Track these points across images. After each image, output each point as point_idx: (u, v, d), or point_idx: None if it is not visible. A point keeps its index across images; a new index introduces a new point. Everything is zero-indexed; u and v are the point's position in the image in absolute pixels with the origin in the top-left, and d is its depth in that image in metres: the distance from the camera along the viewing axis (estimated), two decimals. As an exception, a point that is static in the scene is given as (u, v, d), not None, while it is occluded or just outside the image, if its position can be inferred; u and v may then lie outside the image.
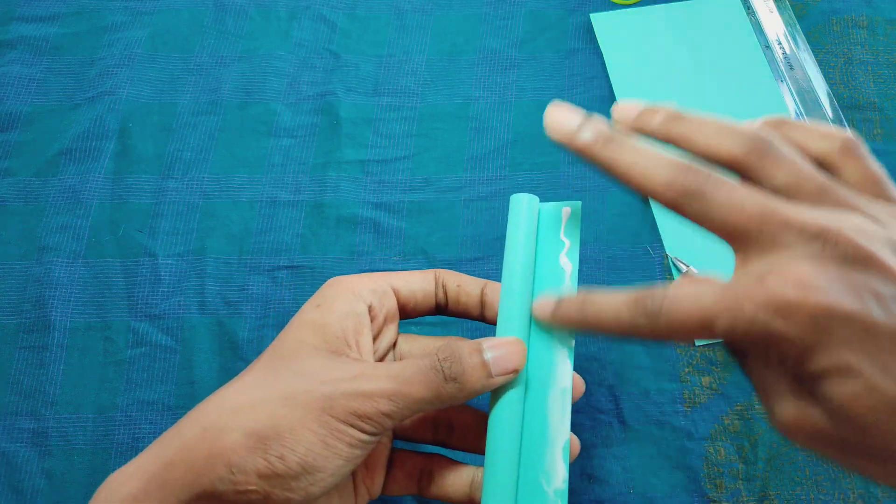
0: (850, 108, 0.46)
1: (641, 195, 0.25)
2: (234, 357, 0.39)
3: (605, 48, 0.48)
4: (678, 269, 0.40)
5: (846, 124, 0.45)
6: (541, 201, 0.31)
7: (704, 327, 0.22)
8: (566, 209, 0.30)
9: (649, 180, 0.24)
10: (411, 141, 0.45)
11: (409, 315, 0.31)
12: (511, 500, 0.27)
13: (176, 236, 0.42)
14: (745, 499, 0.36)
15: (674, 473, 0.36)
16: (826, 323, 0.20)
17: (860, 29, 0.48)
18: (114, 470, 0.36)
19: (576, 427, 0.37)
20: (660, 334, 0.23)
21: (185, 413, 0.27)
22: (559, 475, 0.27)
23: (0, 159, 0.45)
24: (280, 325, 0.40)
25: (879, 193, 0.23)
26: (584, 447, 0.37)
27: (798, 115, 0.45)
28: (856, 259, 0.21)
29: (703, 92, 0.46)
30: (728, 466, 0.37)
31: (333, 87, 0.47)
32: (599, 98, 0.46)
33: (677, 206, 0.23)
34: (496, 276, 0.41)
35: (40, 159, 0.44)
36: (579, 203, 0.30)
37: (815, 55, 0.47)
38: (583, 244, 0.42)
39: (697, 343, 0.39)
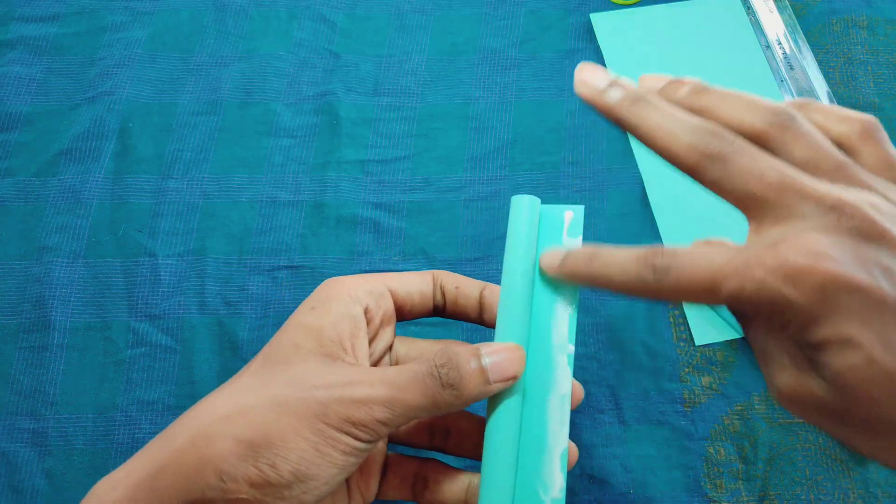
0: (850, 108, 0.45)
1: (663, 157, 0.25)
2: (234, 357, 0.39)
3: (605, 48, 0.48)
4: (678, 269, 0.40)
5: (846, 124, 0.45)
6: (542, 202, 0.30)
7: (711, 289, 0.22)
8: (569, 212, 0.30)
9: (673, 142, 0.24)
10: (411, 141, 0.45)
11: (405, 317, 0.31)
12: None
13: (176, 236, 0.42)
14: (745, 499, 0.36)
15: (674, 473, 0.36)
16: (834, 293, 0.20)
17: (860, 29, 0.48)
18: (112, 470, 0.36)
19: (576, 427, 0.37)
20: (664, 292, 0.23)
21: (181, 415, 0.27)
22: (556, 484, 0.27)
23: (0, 159, 0.45)
24: (280, 325, 0.39)
25: (894, 178, 0.24)
26: (584, 447, 0.37)
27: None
28: (870, 234, 0.21)
29: (703, 92, 0.46)
30: (728, 466, 0.37)
31: (333, 87, 0.47)
32: (599, 98, 0.46)
33: (698, 170, 0.23)
34: (496, 276, 0.41)
35: (40, 159, 0.44)
36: (582, 207, 0.30)
37: (815, 55, 0.47)
38: (586, 240, 0.42)
39: (697, 343, 0.39)
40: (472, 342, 0.39)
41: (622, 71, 0.47)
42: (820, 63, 0.47)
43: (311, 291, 0.29)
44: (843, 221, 0.21)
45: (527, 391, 0.28)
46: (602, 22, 0.49)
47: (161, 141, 0.45)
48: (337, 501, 0.28)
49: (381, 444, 0.30)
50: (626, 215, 0.43)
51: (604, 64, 0.47)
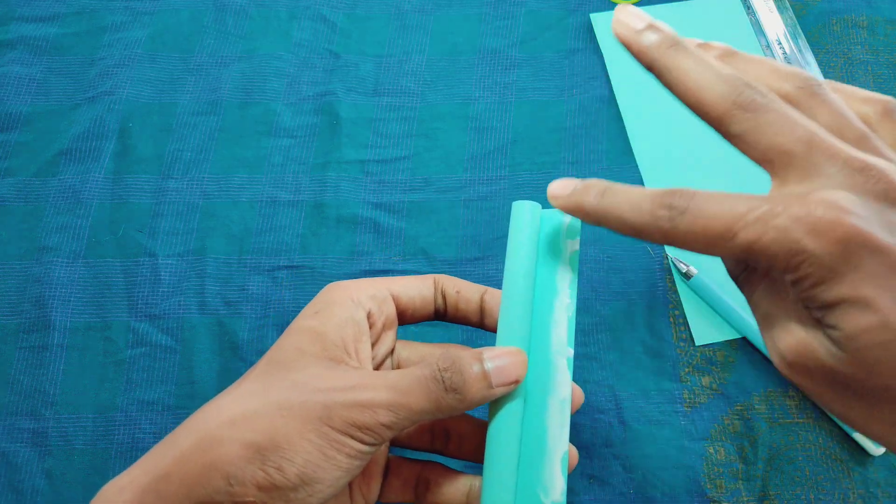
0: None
1: (690, 105, 0.24)
2: (234, 357, 0.39)
3: (605, 48, 0.48)
4: (678, 270, 0.40)
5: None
6: (542, 205, 0.30)
7: (726, 236, 0.21)
8: (569, 216, 0.30)
9: (706, 89, 0.23)
10: (411, 141, 0.45)
11: (407, 321, 0.31)
12: None
13: (176, 236, 0.42)
14: (745, 499, 0.36)
15: (674, 473, 0.36)
16: (856, 250, 0.20)
17: (860, 29, 0.48)
18: (113, 470, 0.36)
19: (576, 427, 0.37)
20: (676, 235, 0.23)
21: (185, 413, 0.27)
22: (557, 488, 0.27)
23: (0, 159, 0.45)
24: (280, 324, 0.40)
25: None
26: (585, 447, 0.37)
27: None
28: (895, 200, 0.21)
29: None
30: (728, 466, 0.37)
31: (333, 87, 0.47)
32: (599, 98, 0.46)
33: (727, 119, 0.23)
34: (496, 276, 0.41)
35: (40, 159, 0.44)
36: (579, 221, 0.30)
37: (815, 55, 0.47)
38: (583, 244, 0.42)
39: (697, 343, 0.39)
40: (473, 344, 0.39)
41: (623, 71, 0.47)
42: (820, 63, 0.47)
43: (312, 291, 0.29)
44: (870, 184, 0.21)
45: (527, 395, 0.28)
46: (602, 22, 0.49)
47: (161, 141, 0.45)
48: None
49: (383, 447, 0.30)
50: (626, 215, 0.43)
51: (604, 64, 0.47)
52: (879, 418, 0.22)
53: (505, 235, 0.30)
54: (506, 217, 0.42)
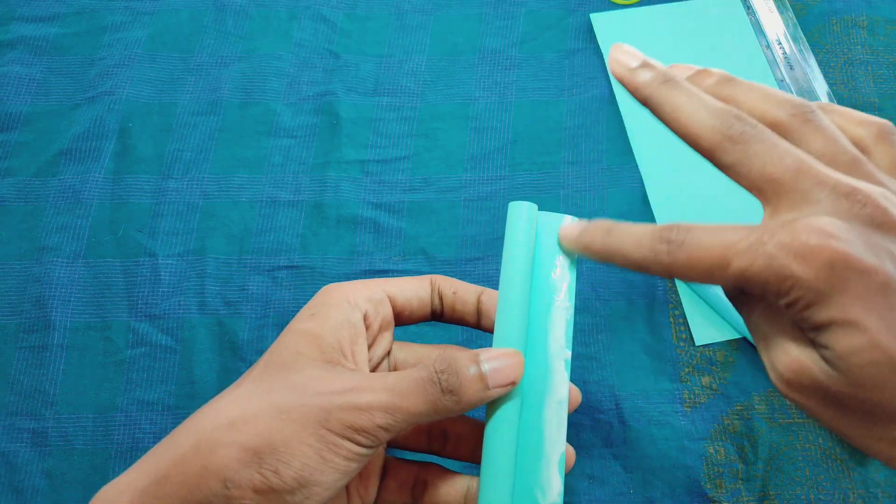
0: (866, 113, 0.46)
1: (684, 138, 0.25)
2: (234, 357, 0.39)
3: (605, 48, 0.48)
4: (678, 269, 0.40)
5: (846, 124, 0.45)
6: (541, 204, 0.30)
7: (721, 265, 0.22)
8: (565, 220, 0.30)
9: (697, 123, 0.25)
10: (411, 141, 0.45)
11: (404, 322, 0.31)
12: None
13: (176, 236, 0.42)
14: (745, 499, 0.36)
15: (674, 473, 0.36)
16: (842, 273, 0.21)
17: (860, 29, 0.48)
18: (113, 470, 0.36)
19: (575, 427, 0.37)
20: (675, 267, 0.24)
21: (185, 413, 0.27)
22: (554, 488, 0.27)
23: (0, 159, 0.45)
24: (280, 325, 0.40)
25: None
26: (585, 447, 0.37)
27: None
28: (882, 223, 0.22)
29: (703, 92, 0.46)
30: (728, 466, 0.37)
31: (333, 87, 0.47)
32: (599, 98, 0.46)
33: (718, 151, 0.24)
34: (496, 276, 0.41)
35: (40, 159, 0.44)
36: (576, 218, 0.30)
37: (815, 55, 0.47)
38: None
39: (697, 343, 0.39)
40: (472, 345, 0.39)
41: (622, 71, 0.47)
42: (820, 63, 0.47)
43: (312, 291, 0.29)
44: (857, 208, 0.22)
45: (525, 396, 0.28)
46: (602, 22, 0.49)
47: (161, 141, 0.45)
48: None
49: (380, 449, 0.30)
50: (626, 215, 0.43)
51: (604, 64, 0.47)
52: (875, 435, 0.22)
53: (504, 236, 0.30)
54: (505, 217, 0.42)
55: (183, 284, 0.41)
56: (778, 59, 0.47)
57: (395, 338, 0.31)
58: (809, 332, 0.22)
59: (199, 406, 0.26)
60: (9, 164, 0.44)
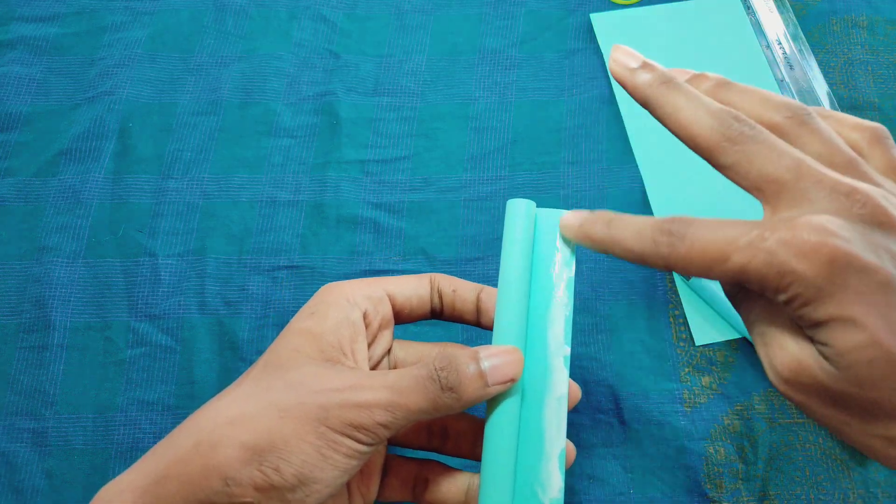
0: (850, 109, 0.46)
1: (683, 138, 0.26)
2: (234, 357, 0.39)
3: (605, 48, 0.48)
4: (678, 269, 0.40)
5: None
6: (540, 204, 0.30)
7: (721, 259, 0.23)
8: (565, 213, 0.30)
9: (696, 124, 0.25)
10: (411, 141, 0.45)
11: (404, 320, 0.31)
12: None
13: (176, 236, 0.42)
14: (745, 499, 0.36)
15: (674, 473, 0.36)
16: (842, 271, 0.21)
17: (860, 29, 0.48)
18: (113, 470, 0.36)
19: (575, 427, 0.37)
20: (675, 259, 0.24)
21: (185, 413, 0.27)
22: (555, 485, 0.27)
23: (0, 159, 0.45)
24: (280, 325, 0.40)
25: None
26: (585, 447, 0.37)
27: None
28: (880, 222, 0.22)
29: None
30: (728, 466, 0.37)
31: (333, 87, 0.47)
32: (599, 98, 0.46)
33: (717, 151, 0.24)
34: (496, 275, 0.41)
35: (40, 159, 0.44)
36: None
37: (815, 55, 0.47)
38: (580, 249, 0.42)
39: (697, 343, 0.39)
40: (472, 343, 0.39)
41: (622, 71, 0.47)
42: (820, 63, 0.47)
43: (312, 291, 0.29)
44: (856, 208, 0.22)
45: (525, 393, 0.28)
46: (602, 22, 0.49)
47: (161, 141, 0.45)
48: None
49: (381, 447, 0.30)
50: (626, 215, 0.43)
51: (604, 64, 0.47)
52: (873, 433, 0.22)
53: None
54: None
55: (183, 284, 0.41)
56: (778, 59, 0.47)
57: (395, 336, 0.31)
58: (808, 330, 0.22)
59: (199, 406, 0.26)
60: (9, 164, 0.44)
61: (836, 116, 0.27)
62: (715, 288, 0.39)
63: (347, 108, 0.46)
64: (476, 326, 0.31)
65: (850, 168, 0.24)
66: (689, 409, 0.38)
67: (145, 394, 0.38)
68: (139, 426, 0.38)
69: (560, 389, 0.28)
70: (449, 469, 0.30)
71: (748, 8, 0.49)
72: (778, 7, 0.49)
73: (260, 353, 0.28)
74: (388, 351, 0.31)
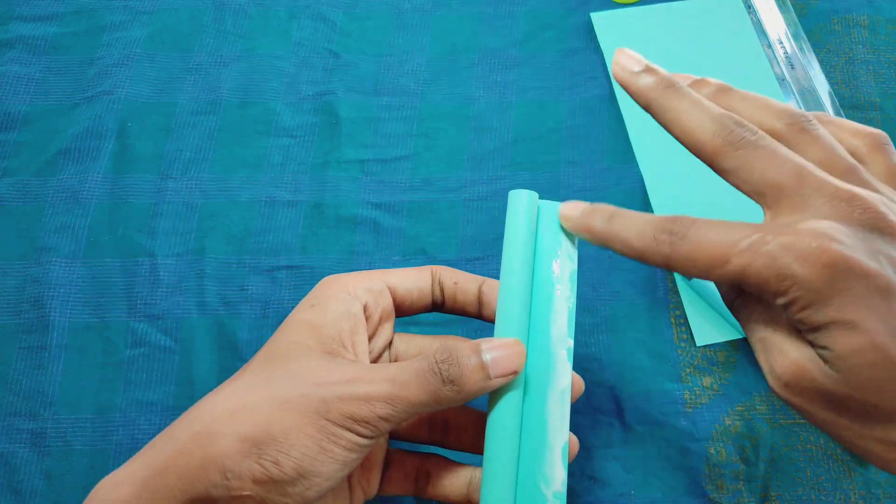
0: (851, 108, 0.45)
1: (685, 142, 0.26)
2: (234, 357, 0.39)
3: (605, 47, 0.48)
4: (679, 270, 0.40)
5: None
6: (540, 198, 0.30)
7: (721, 261, 0.23)
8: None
9: (698, 128, 0.25)
10: (411, 141, 0.45)
11: (405, 313, 0.31)
12: (510, 503, 0.26)
13: (175, 236, 0.42)
14: (747, 499, 0.36)
15: (675, 474, 0.36)
16: (843, 276, 0.21)
17: (861, 28, 0.48)
18: (113, 470, 0.36)
19: (576, 427, 0.37)
20: (676, 261, 0.24)
21: (184, 413, 0.27)
22: (558, 478, 0.27)
23: (-1, 159, 0.44)
24: (279, 325, 0.39)
25: None
26: (585, 448, 0.37)
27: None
28: (881, 229, 0.22)
29: (704, 91, 0.46)
30: (729, 467, 0.36)
31: (333, 86, 0.47)
32: (600, 98, 0.46)
33: (719, 156, 0.25)
34: (497, 276, 0.41)
35: (39, 159, 0.44)
36: None
37: (816, 54, 0.47)
38: (583, 244, 0.42)
39: (698, 343, 0.39)
40: (473, 337, 0.39)
41: (623, 70, 0.47)
42: (821, 62, 0.47)
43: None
44: (857, 214, 0.22)
45: (527, 386, 0.28)
46: (602, 21, 0.49)
47: (160, 141, 0.45)
48: (338, 498, 0.28)
49: (382, 440, 0.30)
50: (627, 215, 0.42)
51: (604, 64, 0.47)
52: (872, 437, 0.22)
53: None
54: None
55: (182, 284, 0.41)
56: (779, 59, 0.47)
57: (397, 330, 0.31)
58: (808, 334, 0.22)
59: (198, 407, 0.26)
60: (7, 164, 0.44)
61: (837, 122, 0.27)
62: (716, 288, 0.39)
63: (347, 107, 0.46)
64: (478, 319, 0.31)
65: (850, 174, 0.24)
66: (690, 410, 0.38)
67: (145, 394, 0.38)
68: (138, 427, 0.38)
69: (563, 382, 0.28)
70: (451, 462, 0.30)
71: (749, 7, 0.49)
72: (779, 6, 0.49)
73: (259, 353, 0.28)
74: (389, 344, 0.31)
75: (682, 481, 0.36)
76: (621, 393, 0.38)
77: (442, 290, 0.31)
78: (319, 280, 0.41)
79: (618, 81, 0.28)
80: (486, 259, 0.42)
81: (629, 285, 0.41)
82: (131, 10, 0.49)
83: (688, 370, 0.39)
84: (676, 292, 0.41)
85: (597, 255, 0.41)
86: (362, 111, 0.46)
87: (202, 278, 0.41)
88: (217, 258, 0.41)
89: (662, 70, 0.27)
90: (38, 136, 0.45)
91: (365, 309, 0.28)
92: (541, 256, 0.29)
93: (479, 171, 0.44)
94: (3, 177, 0.44)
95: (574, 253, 0.29)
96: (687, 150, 0.26)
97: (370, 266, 0.41)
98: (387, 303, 0.30)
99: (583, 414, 0.38)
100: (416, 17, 0.50)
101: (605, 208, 0.27)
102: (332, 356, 0.26)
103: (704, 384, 0.38)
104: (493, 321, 0.29)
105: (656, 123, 0.27)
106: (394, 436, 0.31)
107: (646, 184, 0.43)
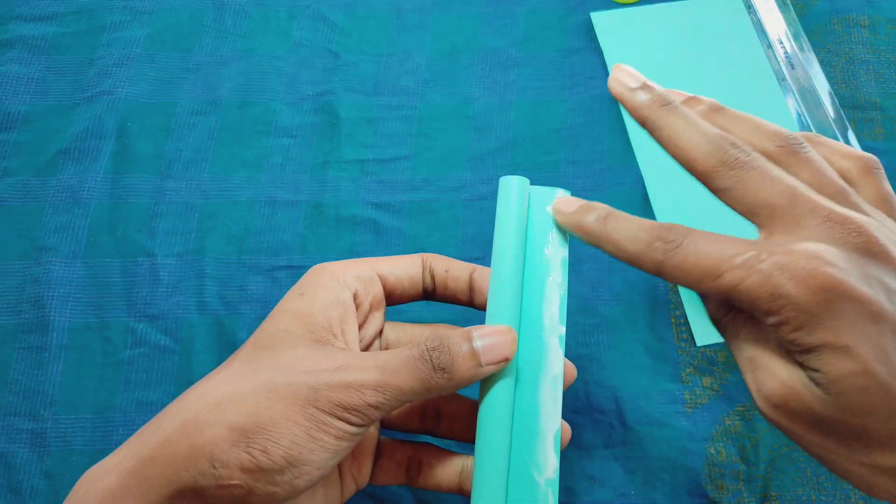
0: (851, 108, 0.45)
1: (679, 160, 0.26)
2: (234, 357, 0.39)
3: (605, 47, 0.48)
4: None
5: (847, 124, 0.45)
6: (532, 181, 0.30)
7: (713, 274, 0.23)
8: (559, 193, 0.30)
9: (693, 147, 0.25)
10: (411, 141, 0.45)
11: (395, 301, 0.31)
12: (502, 490, 0.26)
13: (175, 236, 0.42)
14: (747, 499, 0.36)
15: (675, 474, 0.36)
16: (836, 299, 0.21)
17: (861, 28, 0.48)
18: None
19: (576, 428, 0.37)
20: (667, 269, 0.24)
21: (171, 403, 0.26)
22: (550, 465, 0.27)
23: (-1, 159, 0.44)
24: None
25: (890, 213, 0.25)
26: (585, 448, 0.37)
27: (799, 115, 0.45)
28: (874, 253, 0.22)
29: (705, 91, 0.46)
30: (729, 467, 0.36)
31: (333, 86, 0.47)
32: (600, 98, 0.46)
33: (713, 175, 0.25)
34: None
35: (39, 159, 0.44)
36: (568, 192, 0.30)
37: (816, 54, 0.47)
38: (583, 244, 0.41)
39: (698, 344, 0.39)
40: (465, 326, 0.39)
41: (623, 70, 0.47)
42: (821, 63, 0.47)
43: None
44: (851, 237, 0.22)
45: (519, 373, 0.28)
46: (603, 21, 0.49)
47: (160, 140, 0.45)
48: (330, 487, 0.28)
49: (374, 430, 0.30)
50: (627, 215, 0.42)
51: (604, 64, 0.47)
52: (859, 461, 0.23)
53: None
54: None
55: (182, 284, 0.41)
56: (779, 59, 0.47)
57: (388, 319, 0.31)
58: (799, 355, 0.22)
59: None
60: (7, 164, 0.44)
61: (829, 144, 0.27)
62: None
63: (347, 107, 0.46)
64: (469, 306, 0.31)
65: (840, 198, 0.24)
66: (690, 410, 0.38)
67: (144, 394, 0.38)
68: (138, 426, 0.37)
69: (555, 369, 0.28)
70: (443, 451, 0.30)
71: (749, 7, 0.49)
72: (779, 6, 0.49)
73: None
74: (380, 332, 0.31)
75: (682, 481, 0.36)
76: (621, 393, 0.38)
77: (433, 277, 0.31)
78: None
79: (615, 97, 0.28)
80: (486, 259, 0.42)
81: (629, 285, 0.41)
82: (131, 10, 0.49)
83: (688, 370, 0.39)
84: (676, 292, 0.40)
85: (597, 255, 0.41)
86: (362, 111, 0.46)
87: (202, 278, 0.41)
88: (217, 258, 0.41)
89: (659, 87, 0.27)
90: (38, 136, 0.45)
91: (355, 297, 0.28)
92: (532, 243, 0.29)
93: (479, 171, 0.44)
94: (3, 177, 0.44)
95: (565, 239, 0.29)
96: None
97: (370, 266, 0.41)
98: (377, 291, 0.29)
99: (582, 414, 0.38)
100: (416, 17, 0.50)
101: (601, 208, 0.27)
102: (320, 344, 0.26)
103: (704, 384, 0.38)
104: (484, 308, 0.29)
105: None
106: (386, 425, 0.31)
107: (646, 184, 0.43)
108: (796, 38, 0.48)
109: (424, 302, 0.32)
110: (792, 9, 0.49)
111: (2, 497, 0.36)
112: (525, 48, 0.48)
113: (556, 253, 0.29)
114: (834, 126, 0.44)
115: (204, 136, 0.45)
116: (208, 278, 0.41)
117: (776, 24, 0.48)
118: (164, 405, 0.38)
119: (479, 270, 0.31)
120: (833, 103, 0.45)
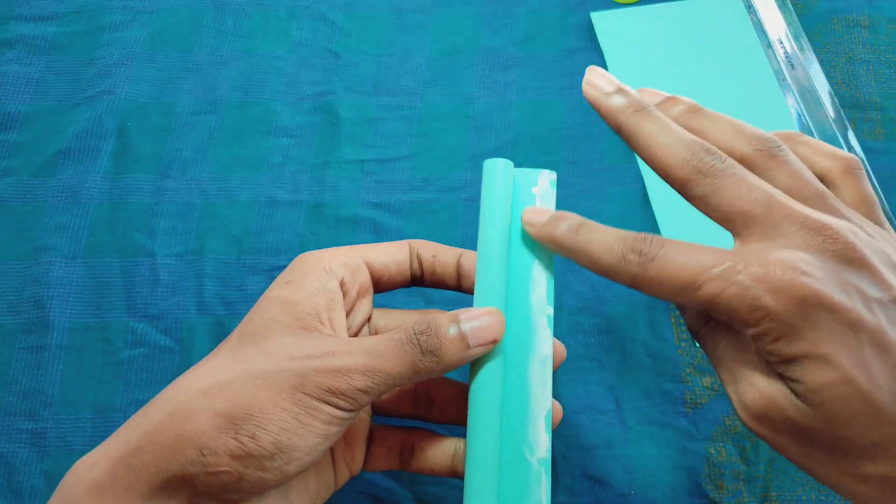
0: (851, 108, 0.45)
1: (654, 167, 0.25)
2: (234, 357, 0.39)
3: (605, 47, 0.48)
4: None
5: (847, 124, 0.45)
6: (515, 163, 0.30)
7: (690, 287, 0.23)
8: (543, 175, 0.30)
9: (668, 154, 0.25)
10: (411, 140, 0.45)
11: (383, 288, 0.31)
12: (494, 471, 0.26)
13: (175, 236, 0.42)
14: (747, 499, 0.36)
15: (675, 474, 0.36)
16: (814, 309, 0.21)
17: (862, 28, 0.48)
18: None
19: (576, 427, 0.37)
20: (643, 281, 0.24)
21: (158, 394, 0.27)
22: (542, 445, 0.27)
23: (-2, 159, 0.44)
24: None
25: (869, 215, 0.25)
26: (585, 448, 0.37)
27: (799, 115, 0.45)
28: (851, 260, 0.22)
29: (704, 91, 0.46)
30: (729, 467, 0.36)
31: (333, 86, 0.47)
32: (600, 97, 0.46)
33: (688, 183, 0.24)
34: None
35: (39, 159, 0.44)
36: (555, 173, 0.30)
37: (816, 54, 0.47)
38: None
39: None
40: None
41: (623, 70, 0.47)
42: (821, 62, 0.47)
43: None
44: (827, 244, 0.22)
45: (508, 355, 0.28)
46: (602, 21, 0.49)
47: (160, 140, 0.45)
48: (322, 474, 0.28)
49: (365, 416, 0.30)
50: (627, 215, 0.42)
51: (604, 63, 0.47)
52: (842, 470, 0.22)
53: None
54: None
55: (182, 284, 0.41)
56: (779, 59, 0.47)
57: (377, 306, 0.31)
58: (778, 366, 0.22)
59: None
60: (7, 164, 0.44)
61: (810, 143, 0.27)
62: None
63: (347, 107, 0.46)
64: (457, 291, 0.31)
65: (819, 201, 0.24)
66: (690, 410, 0.38)
67: (144, 394, 0.38)
68: (138, 427, 0.37)
69: (544, 350, 0.28)
70: (435, 435, 0.30)
71: (749, 7, 0.49)
72: (779, 6, 0.49)
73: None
74: (368, 319, 0.31)
75: (682, 481, 0.36)
76: (621, 393, 0.38)
77: (420, 263, 0.31)
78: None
79: (588, 101, 0.27)
80: (485, 259, 0.42)
81: (629, 285, 0.41)
82: (131, 10, 0.49)
83: (688, 370, 0.39)
84: (676, 292, 0.40)
85: (597, 255, 0.41)
86: (362, 111, 0.46)
87: (202, 278, 0.41)
88: (217, 258, 0.41)
89: (634, 92, 0.27)
90: (38, 136, 0.45)
91: (342, 284, 0.28)
92: (517, 225, 0.29)
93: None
94: (3, 177, 0.44)
95: None
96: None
97: (370, 266, 0.41)
98: (364, 278, 0.29)
99: (583, 414, 0.38)
100: (416, 17, 0.50)
101: (573, 218, 0.26)
102: (308, 332, 0.26)
103: (704, 384, 0.38)
104: (472, 293, 0.29)
105: None
106: (378, 411, 0.31)
107: (646, 184, 0.43)
108: (796, 38, 0.48)
109: (415, 290, 0.32)
110: (792, 9, 0.49)
111: (2, 497, 0.36)
112: (525, 48, 0.48)
113: None
114: (834, 126, 0.44)
115: (204, 136, 0.45)
116: (208, 278, 0.41)
117: (776, 24, 0.48)
118: (163, 405, 0.38)
119: (467, 255, 0.31)
120: (833, 103, 0.45)
